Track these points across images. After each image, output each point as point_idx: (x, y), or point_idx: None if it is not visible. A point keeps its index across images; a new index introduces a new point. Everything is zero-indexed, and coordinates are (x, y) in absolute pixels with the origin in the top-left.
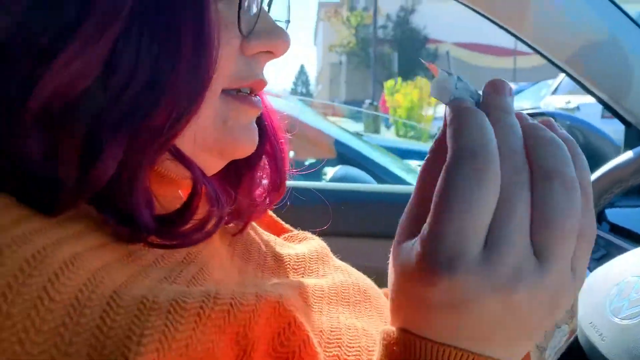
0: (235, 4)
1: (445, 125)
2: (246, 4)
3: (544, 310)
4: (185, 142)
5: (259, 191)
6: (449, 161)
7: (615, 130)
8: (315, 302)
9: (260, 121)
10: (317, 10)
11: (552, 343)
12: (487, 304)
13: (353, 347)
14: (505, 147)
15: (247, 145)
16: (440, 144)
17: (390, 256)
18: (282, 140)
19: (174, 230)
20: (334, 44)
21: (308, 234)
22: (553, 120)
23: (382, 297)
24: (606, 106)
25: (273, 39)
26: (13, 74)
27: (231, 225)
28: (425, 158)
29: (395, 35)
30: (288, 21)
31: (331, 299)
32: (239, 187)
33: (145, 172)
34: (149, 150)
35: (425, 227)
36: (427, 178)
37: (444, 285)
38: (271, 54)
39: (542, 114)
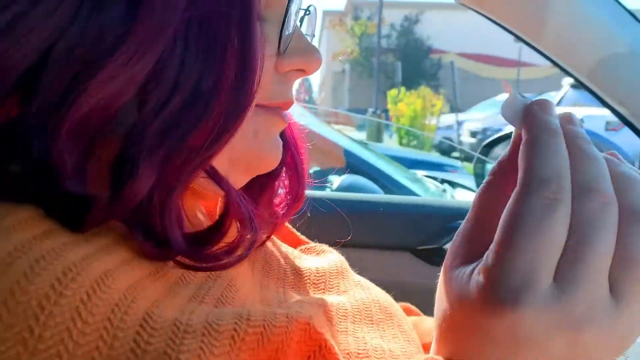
0: (273, 22)
1: (513, 147)
2: (280, 21)
3: (612, 351)
4: (219, 159)
5: (277, 202)
6: (521, 188)
7: (621, 142)
8: (340, 322)
9: (282, 132)
10: (322, 19)
11: None
12: (552, 343)
13: None
14: (590, 180)
15: (273, 158)
16: (503, 166)
17: (441, 281)
18: (303, 151)
19: (203, 251)
20: (337, 53)
21: (326, 247)
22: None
23: (403, 315)
24: (625, 122)
25: (307, 56)
26: (53, 84)
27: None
28: (486, 180)
29: (399, 45)
30: (313, 35)
31: (355, 318)
32: (260, 199)
33: (179, 192)
34: (185, 170)
35: (489, 256)
36: (486, 201)
37: (508, 320)
38: (303, 72)
39: None
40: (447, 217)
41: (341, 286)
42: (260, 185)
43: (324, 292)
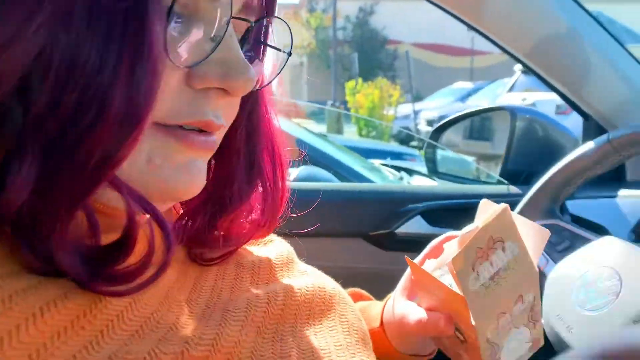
0: (192, 22)
1: None
2: (201, 29)
3: None
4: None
5: (245, 221)
6: None
7: (570, 125)
8: (273, 324)
9: (254, 157)
10: (277, 13)
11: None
12: None
13: None
14: None
15: (181, 189)
16: None
17: None
18: (282, 180)
19: (105, 271)
20: (294, 46)
21: (274, 237)
22: (514, 112)
23: (348, 303)
24: (565, 99)
25: (227, 73)
26: None
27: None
28: None
29: (355, 37)
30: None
31: (290, 316)
32: (222, 217)
33: (66, 203)
34: (69, 186)
35: None
36: None
37: None
38: (226, 92)
39: (502, 109)
40: (398, 201)
41: (285, 277)
42: (222, 204)
43: (267, 283)
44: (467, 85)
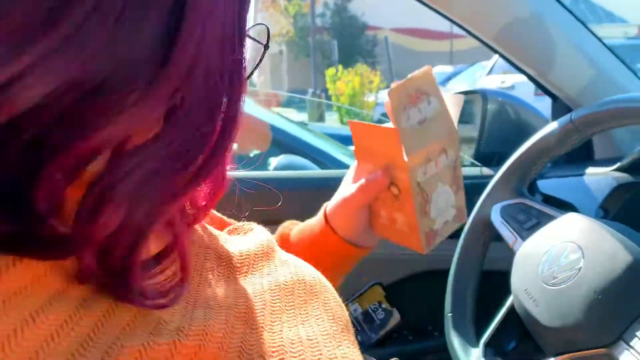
0: None
1: None
2: None
3: None
4: None
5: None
6: None
7: (547, 107)
8: (259, 316)
9: None
10: (255, 1)
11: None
12: None
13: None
14: None
15: None
16: None
17: None
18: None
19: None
20: (273, 34)
21: (254, 225)
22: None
23: (328, 290)
24: (533, 81)
25: None
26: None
27: None
28: None
29: (334, 23)
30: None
31: (274, 307)
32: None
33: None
34: (157, 210)
35: None
36: None
37: None
38: None
39: (474, 92)
40: None
41: (265, 269)
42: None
43: (245, 276)
44: (447, 69)
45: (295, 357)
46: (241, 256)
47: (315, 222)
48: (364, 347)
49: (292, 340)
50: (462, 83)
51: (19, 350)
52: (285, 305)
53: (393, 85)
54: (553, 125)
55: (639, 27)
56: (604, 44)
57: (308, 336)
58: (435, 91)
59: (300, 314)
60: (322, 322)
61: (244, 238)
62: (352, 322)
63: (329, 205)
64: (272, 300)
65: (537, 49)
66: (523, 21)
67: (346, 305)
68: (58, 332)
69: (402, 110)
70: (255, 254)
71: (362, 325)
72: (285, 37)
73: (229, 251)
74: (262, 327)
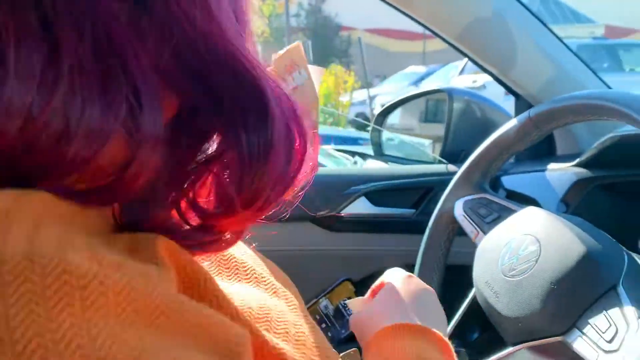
0: None
1: None
2: None
3: None
4: None
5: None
6: None
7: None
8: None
9: None
10: None
11: None
12: None
13: (281, 321)
14: None
15: None
16: None
17: None
18: None
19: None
20: None
21: None
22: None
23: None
24: (497, 79)
25: None
26: None
27: None
28: None
29: (308, 24)
30: None
31: (247, 277)
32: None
33: None
34: None
35: None
36: None
37: None
38: None
39: (441, 91)
40: (343, 184)
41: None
42: None
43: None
44: (420, 69)
45: (279, 315)
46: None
47: None
48: (335, 342)
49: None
50: (436, 83)
51: None
52: (254, 280)
53: (274, 55)
54: (512, 122)
55: (605, 27)
56: (563, 43)
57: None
58: (304, 64)
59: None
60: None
61: None
62: (323, 318)
63: None
64: (243, 272)
65: (498, 48)
66: (484, 21)
67: (316, 302)
68: None
69: (282, 76)
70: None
71: (332, 321)
72: (260, 37)
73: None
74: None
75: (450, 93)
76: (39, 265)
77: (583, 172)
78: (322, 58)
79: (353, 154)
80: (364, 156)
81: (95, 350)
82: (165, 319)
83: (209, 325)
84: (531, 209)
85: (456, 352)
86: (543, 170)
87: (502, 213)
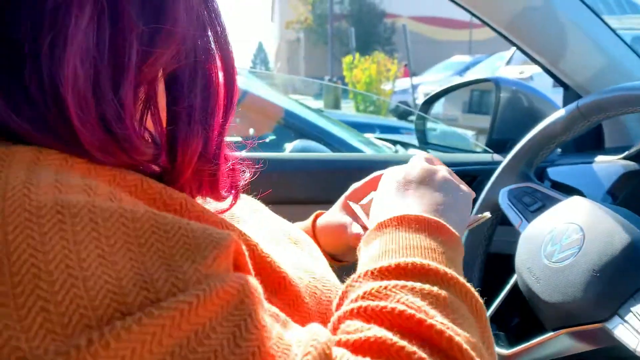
0: None
1: None
2: None
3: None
4: None
5: None
6: None
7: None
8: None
9: None
10: None
11: None
12: None
13: (327, 280)
14: None
15: None
16: None
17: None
18: None
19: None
20: (291, 21)
21: (241, 195)
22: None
23: (312, 245)
24: (545, 70)
25: None
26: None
27: None
28: None
29: (352, 11)
30: None
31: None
32: None
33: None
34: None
35: None
36: None
37: None
38: None
39: (487, 80)
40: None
41: (252, 221)
42: None
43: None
44: (465, 58)
45: (324, 274)
46: (231, 213)
47: (303, 229)
48: None
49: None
50: (482, 73)
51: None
52: (289, 243)
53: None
54: (560, 112)
55: None
56: (615, 33)
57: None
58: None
59: (296, 249)
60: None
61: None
62: None
63: (320, 221)
64: (271, 236)
65: (548, 37)
66: (535, 10)
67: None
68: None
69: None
70: (241, 208)
71: None
72: (303, 24)
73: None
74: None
75: (498, 82)
76: (35, 199)
77: (631, 164)
78: (365, 45)
79: (395, 142)
80: (405, 145)
81: (82, 270)
82: (155, 238)
83: (194, 236)
84: (575, 198)
85: (495, 335)
86: (590, 163)
87: (547, 202)
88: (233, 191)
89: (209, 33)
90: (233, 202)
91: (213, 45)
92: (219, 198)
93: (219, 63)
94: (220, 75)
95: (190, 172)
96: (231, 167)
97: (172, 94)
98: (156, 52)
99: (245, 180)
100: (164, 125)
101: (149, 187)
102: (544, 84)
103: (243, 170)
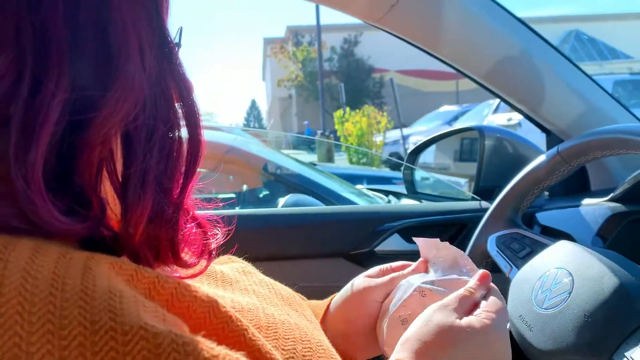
0: None
1: None
2: None
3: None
4: None
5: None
6: None
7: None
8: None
9: None
10: (263, 47)
11: None
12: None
13: (288, 338)
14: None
15: None
16: None
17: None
18: None
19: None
20: (282, 79)
21: (233, 257)
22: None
23: (302, 304)
24: (526, 116)
25: None
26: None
27: None
28: None
29: (341, 67)
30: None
31: (265, 300)
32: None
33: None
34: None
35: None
36: None
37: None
38: None
39: (471, 129)
40: (376, 221)
41: (246, 282)
42: None
43: (232, 291)
44: (453, 108)
45: (287, 332)
46: (223, 275)
47: (315, 307)
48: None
49: (283, 321)
50: (470, 122)
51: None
52: (273, 300)
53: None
54: (542, 158)
55: None
56: (591, 79)
57: (296, 322)
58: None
59: (283, 309)
60: (302, 320)
61: (220, 266)
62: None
63: (337, 295)
64: (261, 294)
65: (527, 86)
66: (512, 60)
67: None
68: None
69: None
70: (234, 274)
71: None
72: (294, 81)
73: (212, 270)
74: (256, 307)
75: (481, 130)
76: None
77: (617, 206)
78: (355, 99)
79: (387, 193)
80: (398, 195)
81: None
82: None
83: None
84: (563, 243)
85: None
86: (577, 206)
87: (535, 247)
88: (205, 255)
89: (171, 89)
90: (207, 265)
91: (175, 102)
92: (183, 265)
93: (182, 120)
94: (184, 131)
95: (144, 237)
96: (201, 229)
97: (126, 154)
98: (101, 115)
99: (218, 242)
100: (117, 187)
101: (143, 276)
102: (533, 128)
103: (215, 232)
